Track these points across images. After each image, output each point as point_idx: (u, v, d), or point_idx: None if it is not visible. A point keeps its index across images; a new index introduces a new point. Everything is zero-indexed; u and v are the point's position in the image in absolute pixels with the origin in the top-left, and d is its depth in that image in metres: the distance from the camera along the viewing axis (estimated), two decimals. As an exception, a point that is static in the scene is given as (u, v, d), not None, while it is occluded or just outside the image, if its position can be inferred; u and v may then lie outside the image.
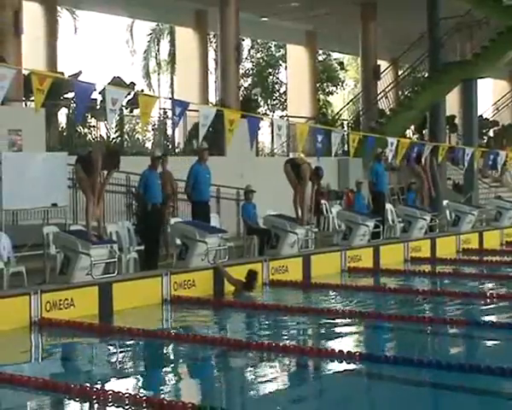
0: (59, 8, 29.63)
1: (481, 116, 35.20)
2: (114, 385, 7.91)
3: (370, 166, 19.52)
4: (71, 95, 20.30)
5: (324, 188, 23.45)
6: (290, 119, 27.59)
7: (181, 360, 9.60)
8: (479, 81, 27.53)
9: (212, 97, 33.91)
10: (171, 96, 38.22)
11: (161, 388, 8.11)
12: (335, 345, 9.61)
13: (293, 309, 11.89)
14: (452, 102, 32.57)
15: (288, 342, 9.79)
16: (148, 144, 23.74)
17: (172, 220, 14.87)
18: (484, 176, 29.90)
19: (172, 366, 9.34)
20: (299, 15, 30.57)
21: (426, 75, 29.39)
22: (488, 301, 12.63)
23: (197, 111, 14.51)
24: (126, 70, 59.23)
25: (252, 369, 8.97)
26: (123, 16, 35.04)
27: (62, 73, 21.52)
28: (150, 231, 14.09)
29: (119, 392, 7.32)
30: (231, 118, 13.52)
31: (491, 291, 13.31)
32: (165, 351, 10.00)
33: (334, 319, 11.19)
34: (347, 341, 10.35)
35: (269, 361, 9.10)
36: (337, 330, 10.85)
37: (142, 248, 14.12)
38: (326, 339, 10.30)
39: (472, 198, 24.69)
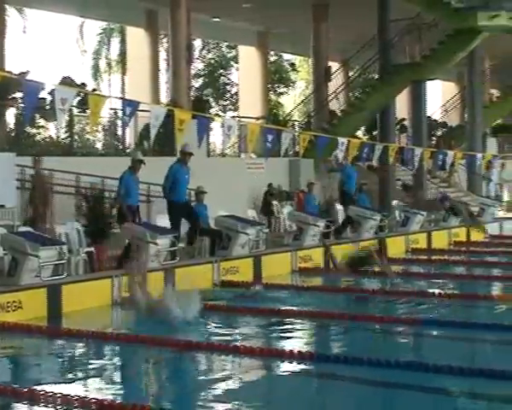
0: (7, 6, 29.24)
1: (430, 117, 35.57)
2: (63, 388, 7.82)
3: (343, 166, 19.69)
4: (19, 94, 20.05)
5: (275, 189, 23.51)
6: (241, 119, 27.62)
7: (130, 362, 9.53)
8: (428, 83, 27.84)
9: (164, 98, 33.78)
10: (122, 96, 37.99)
11: (111, 390, 8.05)
12: (286, 345, 9.62)
13: (244, 310, 11.89)
14: (402, 104, 32.84)
15: (238, 342, 9.79)
16: (99, 145, 23.56)
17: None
18: (433, 176, 30.20)
19: (122, 367, 9.29)
20: (250, 16, 30.60)
21: (376, 76, 29.59)
22: (437, 299, 12.75)
23: (148, 111, 14.46)
24: (77, 70, 58.72)
25: (202, 370, 8.97)
26: (73, 15, 34.72)
27: (10, 73, 21.23)
28: None
29: (68, 395, 7.25)
30: (181, 118, 13.49)
31: (439, 290, 13.44)
32: (114, 353, 9.93)
33: (285, 320, 11.22)
34: (298, 341, 10.38)
35: (219, 362, 9.09)
36: (288, 330, 10.86)
37: (92, 249, 14.02)
38: (277, 339, 10.33)
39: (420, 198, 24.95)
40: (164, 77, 35.34)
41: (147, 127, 17.68)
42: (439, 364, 8.12)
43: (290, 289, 14.12)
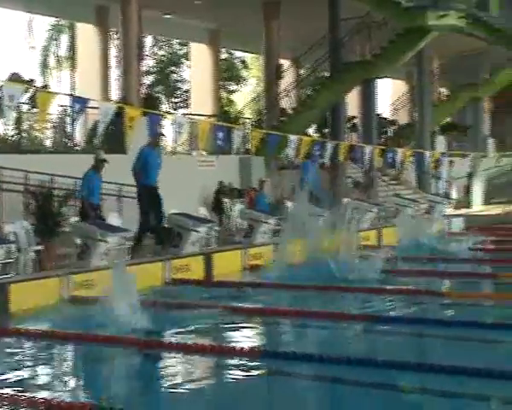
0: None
1: (380, 116, 35.87)
2: (11, 388, 7.74)
3: (301, 163, 19.76)
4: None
5: (226, 187, 23.53)
6: (193, 117, 27.56)
7: (79, 361, 9.47)
8: (378, 81, 28.07)
9: (114, 95, 33.56)
10: (71, 93, 37.65)
11: (60, 389, 7.98)
12: (237, 342, 9.63)
13: (196, 306, 11.86)
14: (352, 102, 33.06)
15: (189, 340, 9.75)
16: (48, 142, 23.31)
17: (72, 219, 14.67)
18: (383, 174, 30.45)
19: (71, 366, 9.21)
20: (202, 13, 30.53)
21: (327, 75, 29.74)
22: (387, 295, 12.85)
23: (98, 108, 14.36)
24: (25, 66, 58.10)
25: (153, 368, 8.93)
26: (21, 11, 34.28)
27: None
28: None
29: (16, 395, 7.17)
30: (132, 115, 13.42)
31: (389, 286, 13.53)
32: (63, 352, 9.84)
33: (235, 317, 11.22)
34: (248, 338, 10.38)
35: (169, 360, 9.06)
36: (238, 327, 10.85)
37: (41, 248, 13.89)
38: (227, 336, 10.32)
39: (371, 196, 25.16)
40: (114, 74, 35.13)
41: (97, 124, 17.53)
42: (390, 360, 8.19)
43: (241, 286, 14.10)
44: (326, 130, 29.73)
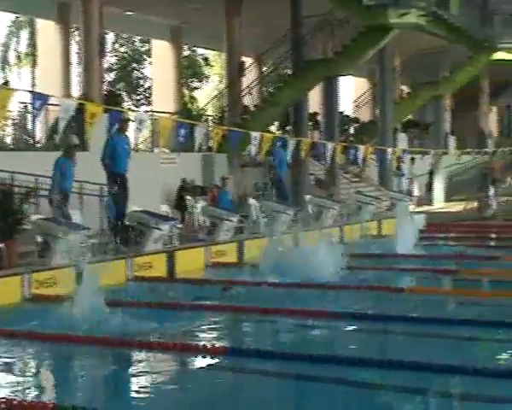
0: None
1: (342, 113, 36.03)
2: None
3: (274, 150, 19.74)
4: None
5: (189, 184, 23.47)
6: (154, 114, 27.47)
7: (40, 360, 9.39)
8: (340, 79, 28.18)
9: (76, 92, 33.32)
10: (32, 89, 37.33)
11: (21, 389, 7.90)
12: (200, 340, 9.60)
13: (158, 305, 11.83)
14: (315, 99, 33.15)
15: (151, 338, 9.71)
16: (8, 139, 23.08)
17: (33, 217, 14.52)
18: (345, 171, 30.59)
19: (32, 366, 9.13)
20: (164, 10, 30.43)
21: (289, 72, 29.80)
22: (349, 292, 12.90)
23: (59, 105, 14.24)
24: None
25: (114, 366, 8.89)
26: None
27: None
28: None
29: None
30: (93, 112, 13.33)
31: (352, 282, 13.58)
32: (25, 351, 9.74)
33: (198, 314, 11.20)
34: (212, 335, 10.36)
35: (132, 358, 9.03)
36: (202, 324, 10.82)
37: (2, 246, 13.73)
38: (190, 334, 10.28)
39: (333, 193, 25.25)
40: (75, 71, 34.88)
41: (58, 121, 17.40)
42: (352, 356, 8.24)
43: (204, 283, 14.08)
44: (288, 127, 29.80)
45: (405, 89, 44.11)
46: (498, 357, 9.01)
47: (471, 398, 7.32)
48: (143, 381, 8.16)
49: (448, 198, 35.14)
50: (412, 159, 31.73)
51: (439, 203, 33.94)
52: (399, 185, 30.55)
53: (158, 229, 15.17)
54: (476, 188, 27.23)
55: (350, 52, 26.62)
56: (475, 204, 27.21)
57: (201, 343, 9.08)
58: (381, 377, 7.92)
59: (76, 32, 35.20)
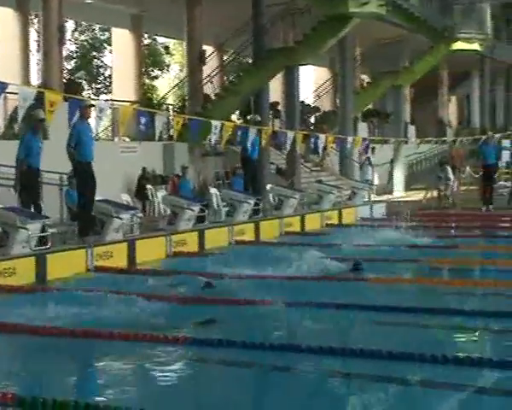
0: None
1: (303, 102, 36.12)
2: None
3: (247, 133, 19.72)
4: None
5: (149, 173, 23.41)
6: (115, 103, 27.30)
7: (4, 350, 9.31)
8: (301, 68, 28.23)
9: (35, 80, 33.00)
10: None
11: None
12: (162, 330, 9.53)
13: (120, 294, 11.73)
14: (276, 89, 33.20)
15: (115, 329, 9.62)
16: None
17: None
18: (306, 161, 30.68)
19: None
20: (124, -2, 30.25)
21: (250, 61, 29.79)
22: (309, 282, 12.92)
23: (18, 93, 14.07)
24: None
25: (73, 356, 8.80)
26: None
27: None
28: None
29: None
30: (52, 100, 13.20)
31: (312, 273, 13.61)
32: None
33: (160, 304, 11.14)
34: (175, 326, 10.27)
35: (93, 349, 8.97)
36: (164, 315, 10.73)
37: None
38: (154, 325, 10.19)
39: (294, 182, 25.34)
40: (35, 58, 34.53)
41: (16, 110, 17.23)
42: (312, 345, 8.28)
43: (164, 273, 14.02)
44: (249, 116, 29.80)
45: (366, 78, 44.31)
46: (458, 345, 9.13)
47: (430, 385, 7.39)
48: (104, 371, 8.13)
49: (408, 187, 35.41)
50: (372, 148, 31.89)
51: (399, 192, 34.20)
52: (361, 175, 30.72)
53: (118, 218, 15.09)
54: (436, 177, 27.44)
55: (310, 41, 26.68)
56: (435, 193, 27.43)
57: (161, 334, 9.04)
58: (343, 365, 7.98)
59: (35, 20, 34.86)
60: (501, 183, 31.55)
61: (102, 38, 44.34)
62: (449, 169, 27.10)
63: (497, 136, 32.13)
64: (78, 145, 14.40)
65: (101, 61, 45.01)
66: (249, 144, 19.89)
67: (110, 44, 39.39)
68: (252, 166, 20.75)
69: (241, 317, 10.53)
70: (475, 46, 38.44)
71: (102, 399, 7.05)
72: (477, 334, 9.61)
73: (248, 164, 20.64)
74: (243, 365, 8.21)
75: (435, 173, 28.29)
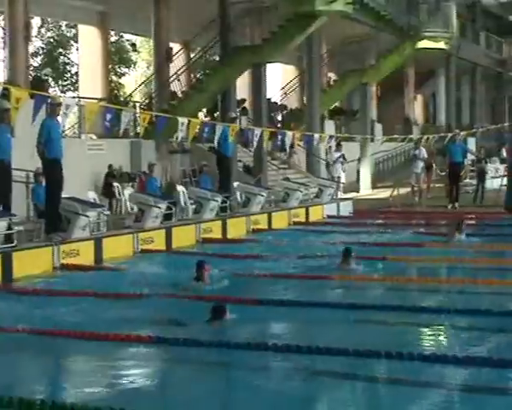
0: None
1: (270, 100, 36.15)
2: None
3: (221, 130, 19.64)
4: None
5: (116, 170, 23.34)
6: (81, 100, 27.16)
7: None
8: (268, 66, 28.26)
9: (1, 77, 32.74)
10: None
11: None
12: (125, 329, 9.50)
13: (87, 293, 11.71)
14: (243, 86, 33.19)
15: (79, 327, 9.59)
16: None
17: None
18: (273, 158, 30.73)
19: None
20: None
21: (217, 59, 29.78)
22: (278, 280, 12.96)
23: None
24: None
25: (40, 355, 8.77)
26: None
27: None
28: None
29: None
30: (18, 97, 13.11)
31: (285, 271, 13.63)
32: None
33: (123, 303, 11.13)
34: (140, 324, 10.22)
35: (62, 348, 8.93)
36: (126, 313, 10.66)
37: None
38: (117, 324, 10.14)
39: (261, 180, 25.37)
40: (0, 55, 34.28)
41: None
42: (281, 343, 8.34)
43: (131, 271, 14.00)
44: (217, 113, 29.80)
45: (333, 76, 44.45)
46: (423, 342, 9.21)
47: (396, 382, 7.44)
48: (67, 370, 8.11)
49: (374, 185, 35.59)
50: (340, 146, 31.99)
51: (365, 190, 34.36)
52: (328, 172, 30.80)
53: (85, 216, 15.03)
54: (404, 174, 27.59)
55: (277, 39, 26.72)
56: (401, 190, 27.58)
57: (125, 333, 9.03)
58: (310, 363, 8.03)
59: (1, 17, 34.58)
60: (467, 181, 31.86)
61: (69, 34, 44.05)
62: (420, 164, 27.20)
63: (463, 133, 32.40)
64: (48, 142, 14.32)
65: (68, 58, 44.71)
66: (222, 141, 19.89)
67: (77, 41, 39.13)
68: (227, 163, 20.71)
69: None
70: (441, 45, 38.72)
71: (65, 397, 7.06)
72: (442, 331, 9.70)
73: (223, 162, 20.58)
74: (210, 363, 8.23)
75: (403, 171, 28.35)
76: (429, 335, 9.60)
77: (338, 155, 30.92)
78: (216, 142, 19.76)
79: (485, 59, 50.93)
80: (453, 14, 40.08)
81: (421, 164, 27.22)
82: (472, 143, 34.58)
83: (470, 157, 32.42)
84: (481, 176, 27.33)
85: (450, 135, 29.16)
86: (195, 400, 7.12)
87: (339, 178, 29.82)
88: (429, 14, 38.80)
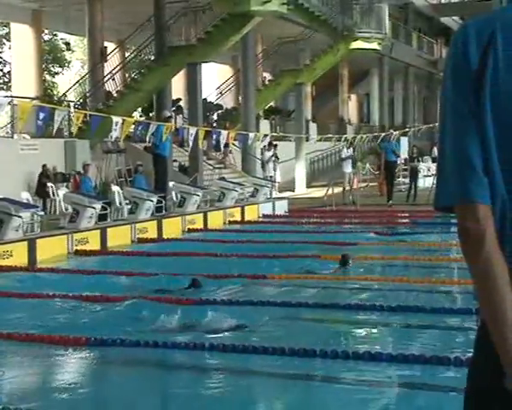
0: None
1: (206, 99, 36.16)
2: None
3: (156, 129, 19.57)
4: None
5: (50, 170, 23.12)
6: (14, 99, 26.82)
7: None
8: (203, 65, 28.28)
9: None
10: None
11: None
12: (63, 331, 9.44)
13: (23, 296, 11.58)
14: (178, 85, 33.16)
15: (14, 329, 9.49)
16: None
17: None
18: (208, 158, 30.76)
19: None
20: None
21: (152, 58, 29.69)
22: (213, 280, 12.97)
23: None
24: None
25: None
26: None
27: None
28: None
29: None
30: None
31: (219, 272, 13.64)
32: None
33: (60, 304, 11.04)
34: (76, 326, 10.14)
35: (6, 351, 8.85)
36: (63, 315, 10.58)
37: None
38: (53, 326, 10.03)
39: (197, 179, 25.39)
40: None
41: None
42: (222, 343, 8.39)
43: (65, 272, 13.87)
44: (152, 113, 29.71)
45: (268, 76, 44.64)
46: (358, 340, 9.33)
47: (334, 382, 7.51)
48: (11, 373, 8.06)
49: (309, 184, 35.86)
50: (275, 145, 32.20)
51: (300, 189, 34.59)
52: (264, 172, 30.96)
53: (18, 217, 14.88)
54: (338, 173, 27.86)
55: (213, 39, 26.76)
56: (335, 190, 27.84)
57: (63, 334, 8.97)
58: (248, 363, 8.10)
59: None
60: (400, 179, 32.34)
61: (1, 33, 43.46)
62: (350, 164, 27.51)
63: (396, 133, 32.86)
64: None
65: (0, 57, 44.11)
66: (158, 141, 19.87)
67: (9, 40, 38.62)
68: (164, 163, 20.70)
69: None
70: (374, 45, 39.15)
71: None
72: (376, 329, 9.83)
73: (160, 162, 20.56)
74: (148, 364, 8.24)
75: (336, 170, 28.66)
76: (362, 333, 9.72)
77: (270, 154, 31.14)
78: (152, 141, 19.72)
79: (418, 59, 51.67)
80: (386, 15, 40.56)
81: (350, 163, 27.56)
82: (405, 143, 34.95)
83: (403, 156, 32.84)
84: (414, 175, 27.74)
85: (383, 134, 29.52)
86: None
87: (271, 177, 30.04)
88: (362, 14, 39.22)
